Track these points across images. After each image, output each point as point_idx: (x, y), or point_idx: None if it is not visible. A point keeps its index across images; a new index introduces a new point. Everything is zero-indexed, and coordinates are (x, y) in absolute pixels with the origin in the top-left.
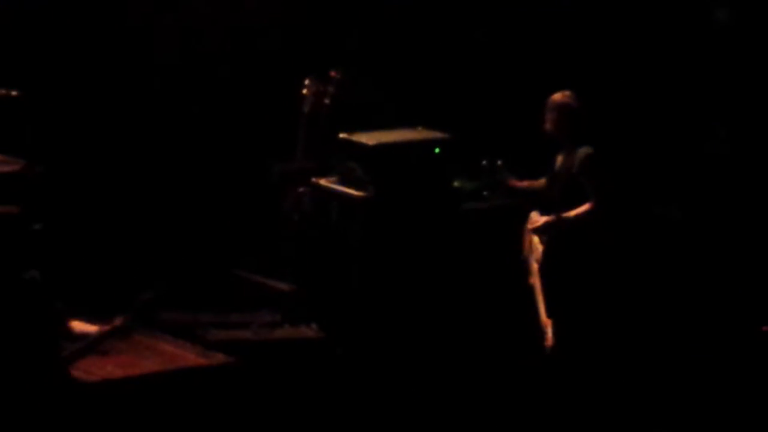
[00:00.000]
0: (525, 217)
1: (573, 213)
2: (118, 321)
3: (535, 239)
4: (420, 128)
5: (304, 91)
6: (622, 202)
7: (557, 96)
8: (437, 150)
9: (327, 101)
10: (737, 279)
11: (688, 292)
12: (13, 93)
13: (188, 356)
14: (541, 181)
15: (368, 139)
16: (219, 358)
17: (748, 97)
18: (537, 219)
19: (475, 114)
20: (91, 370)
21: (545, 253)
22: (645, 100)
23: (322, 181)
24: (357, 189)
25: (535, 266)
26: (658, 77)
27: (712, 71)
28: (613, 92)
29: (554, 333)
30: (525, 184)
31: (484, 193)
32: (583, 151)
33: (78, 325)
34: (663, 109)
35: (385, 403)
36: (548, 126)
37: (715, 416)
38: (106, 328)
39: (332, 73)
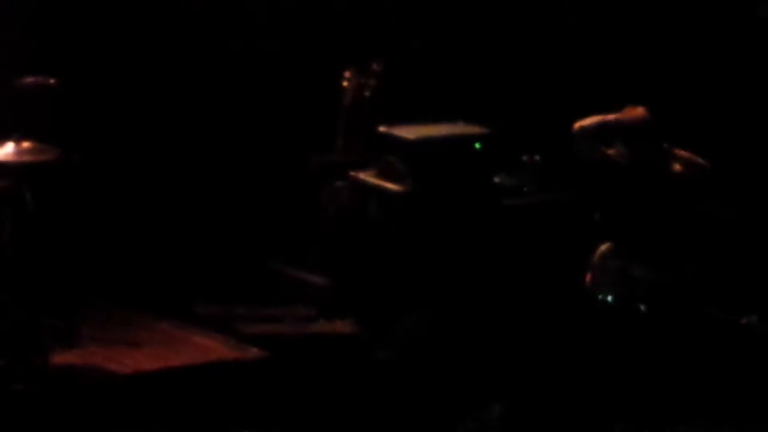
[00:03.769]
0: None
1: None
2: None
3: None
4: (460, 123)
5: (345, 83)
6: None
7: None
8: (478, 145)
9: (368, 94)
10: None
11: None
12: (51, 81)
13: (222, 349)
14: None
15: (408, 133)
16: (253, 351)
17: None
18: None
19: (515, 109)
20: (124, 361)
21: None
22: (687, 94)
23: (361, 175)
24: (396, 183)
25: None
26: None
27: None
28: (654, 86)
29: None
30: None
31: (525, 189)
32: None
33: None
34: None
35: (419, 398)
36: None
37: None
38: None
39: (374, 66)
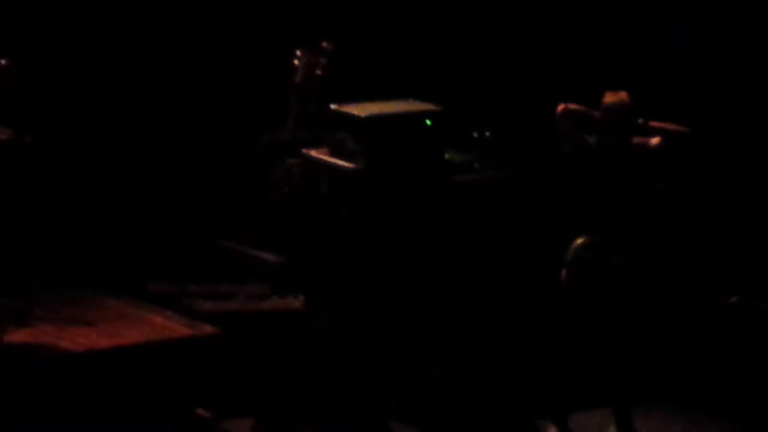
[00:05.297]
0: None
1: None
2: None
3: None
4: (411, 100)
5: (296, 61)
6: None
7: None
8: (428, 122)
9: (318, 72)
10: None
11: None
12: (3, 62)
13: (174, 326)
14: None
15: (359, 110)
16: (206, 328)
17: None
18: None
19: (465, 86)
20: (77, 339)
21: None
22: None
23: (313, 153)
24: (348, 161)
25: None
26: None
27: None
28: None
29: None
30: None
31: (475, 165)
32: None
33: None
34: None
35: (369, 373)
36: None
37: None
38: None
39: (324, 44)
